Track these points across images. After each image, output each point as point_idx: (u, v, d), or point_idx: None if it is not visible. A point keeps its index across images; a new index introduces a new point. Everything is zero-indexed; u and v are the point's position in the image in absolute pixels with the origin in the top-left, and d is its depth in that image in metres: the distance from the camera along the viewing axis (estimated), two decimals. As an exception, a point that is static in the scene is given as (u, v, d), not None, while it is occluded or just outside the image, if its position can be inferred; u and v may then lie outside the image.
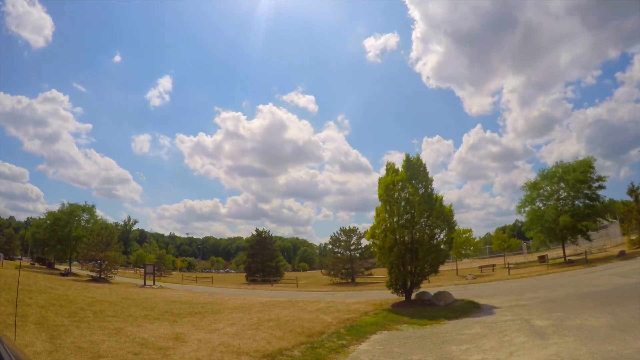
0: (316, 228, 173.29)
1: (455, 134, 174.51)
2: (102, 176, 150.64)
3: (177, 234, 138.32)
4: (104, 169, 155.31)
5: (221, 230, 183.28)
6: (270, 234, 51.35)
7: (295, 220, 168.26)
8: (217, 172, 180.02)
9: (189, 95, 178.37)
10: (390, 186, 14.16)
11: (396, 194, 14.19)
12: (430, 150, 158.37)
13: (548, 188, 31.08)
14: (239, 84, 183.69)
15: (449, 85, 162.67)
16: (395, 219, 14.07)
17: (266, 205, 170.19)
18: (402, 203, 14.08)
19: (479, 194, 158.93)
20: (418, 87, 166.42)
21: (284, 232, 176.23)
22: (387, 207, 14.24)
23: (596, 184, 28.66)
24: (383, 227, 14.18)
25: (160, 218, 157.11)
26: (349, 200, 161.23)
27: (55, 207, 47.32)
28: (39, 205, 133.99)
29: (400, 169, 14.57)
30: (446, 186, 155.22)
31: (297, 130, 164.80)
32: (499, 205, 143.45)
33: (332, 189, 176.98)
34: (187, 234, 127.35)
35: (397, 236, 13.85)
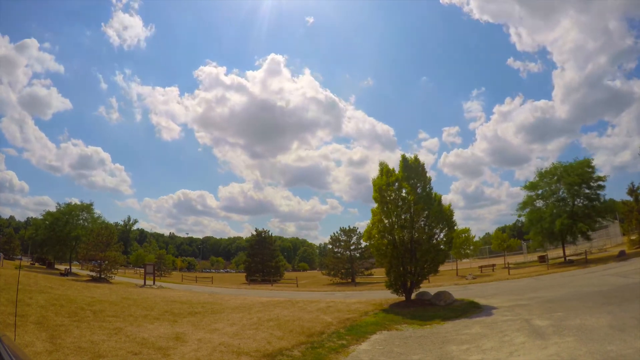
0: (323, 225, 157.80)
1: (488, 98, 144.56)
2: (74, 155, 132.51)
3: (177, 233, 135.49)
4: (74, 145, 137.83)
5: (220, 228, 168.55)
6: (270, 233, 51.45)
7: (299, 216, 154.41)
8: (203, 152, 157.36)
9: (164, 36, 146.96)
10: (384, 187, 14.20)
11: (393, 195, 14.20)
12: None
13: (547, 188, 31.08)
14: (226, 24, 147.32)
15: (497, 21, 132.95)
16: (391, 220, 14.08)
17: (266, 197, 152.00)
18: (399, 203, 14.09)
19: (499, 184, 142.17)
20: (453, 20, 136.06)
21: (287, 228, 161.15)
22: (383, 208, 14.27)
23: (595, 184, 28.68)
24: (379, 228, 14.20)
25: (148, 211, 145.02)
26: (363, 188, 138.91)
27: (39, 200, 47.08)
28: (21, 198, 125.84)
29: (397, 168, 14.61)
30: (462, 170, 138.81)
31: (303, 91, 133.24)
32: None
33: (342, 176, 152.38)
34: (187, 233, 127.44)
35: (395, 237, 13.86)
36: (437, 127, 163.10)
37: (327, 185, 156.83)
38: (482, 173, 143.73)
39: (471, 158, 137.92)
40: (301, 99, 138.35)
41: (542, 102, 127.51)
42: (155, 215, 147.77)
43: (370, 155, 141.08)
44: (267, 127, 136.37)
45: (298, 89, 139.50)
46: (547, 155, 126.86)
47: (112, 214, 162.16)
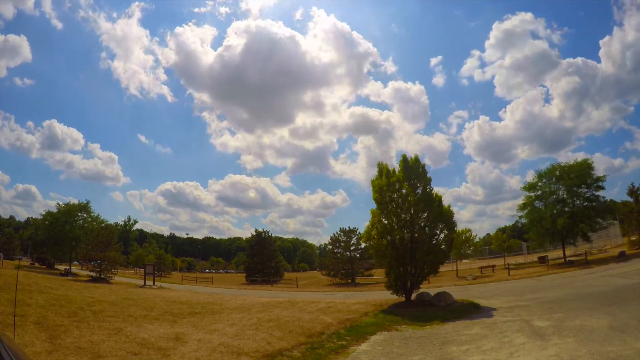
0: (330, 222, 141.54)
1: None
2: (38, 133, 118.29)
3: (171, 229, 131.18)
4: (36, 121, 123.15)
5: (219, 224, 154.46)
6: (270, 234, 51.49)
7: (303, 211, 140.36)
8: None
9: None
10: (384, 188, 14.23)
11: (394, 195, 14.23)
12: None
13: (547, 189, 31.08)
14: None
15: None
16: (391, 220, 14.09)
17: (262, 188, 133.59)
18: (399, 203, 14.12)
19: (525, 173, 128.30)
20: None
21: (288, 226, 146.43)
22: (383, 209, 14.28)
23: (595, 185, 28.69)
24: (379, 228, 14.21)
25: (136, 202, 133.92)
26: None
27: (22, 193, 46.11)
28: (2, 190, 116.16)
29: (397, 168, 14.64)
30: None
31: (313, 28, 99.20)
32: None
33: (356, 160, 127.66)
34: (187, 233, 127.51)
35: (395, 237, 13.86)
36: (467, 100, 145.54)
37: (337, 172, 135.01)
38: (509, 159, 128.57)
39: (500, 134, 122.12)
40: (310, 41, 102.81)
41: (587, 62, 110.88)
42: (145, 210, 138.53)
43: (396, 125, 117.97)
44: (261, 85, 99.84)
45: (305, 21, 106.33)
46: (586, 133, 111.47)
47: (96, 207, 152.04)
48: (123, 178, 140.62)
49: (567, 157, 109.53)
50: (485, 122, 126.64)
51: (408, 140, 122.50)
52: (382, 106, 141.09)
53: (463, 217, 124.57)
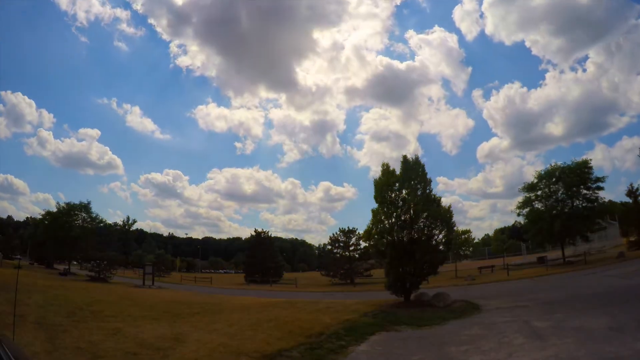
0: (338, 216, 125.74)
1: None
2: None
3: (176, 233, 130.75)
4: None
5: (217, 222, 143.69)
6: (269, 234, 51.50)
7: (305, 207, 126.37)
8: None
9: None
10: (384, 187, 14.28)
11: (394, 195, 14.28)
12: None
13: (546, 189, 31.13)
14: None
15: None
16: (391, 220, 14.13)
17: (258, 181, 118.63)
18: (400, 203, 14.16)
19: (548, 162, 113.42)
20: None
21: (288, 223, 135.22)
22: (384, 209, 14.32)
23: (594, 185, 28.76)
24: (379, 228, 14.24)
25: (122, 192, 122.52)
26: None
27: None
28: None
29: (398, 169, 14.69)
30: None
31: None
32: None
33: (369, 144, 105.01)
34: (186, 234, 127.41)
35: (394, 237, 13.88)
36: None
37: (348, 157, 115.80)
38: (538, 142, 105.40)
39: (530, 109, 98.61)
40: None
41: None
42: (135, 204, 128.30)
43: (429, 86, 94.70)
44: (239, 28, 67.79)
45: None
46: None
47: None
48: (106, 156, 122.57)
49: (604, 153, 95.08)
50: (515, 91, 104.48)
51: (436, 111, 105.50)
52: (408, 58, 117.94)
53: (473, 214, 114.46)
